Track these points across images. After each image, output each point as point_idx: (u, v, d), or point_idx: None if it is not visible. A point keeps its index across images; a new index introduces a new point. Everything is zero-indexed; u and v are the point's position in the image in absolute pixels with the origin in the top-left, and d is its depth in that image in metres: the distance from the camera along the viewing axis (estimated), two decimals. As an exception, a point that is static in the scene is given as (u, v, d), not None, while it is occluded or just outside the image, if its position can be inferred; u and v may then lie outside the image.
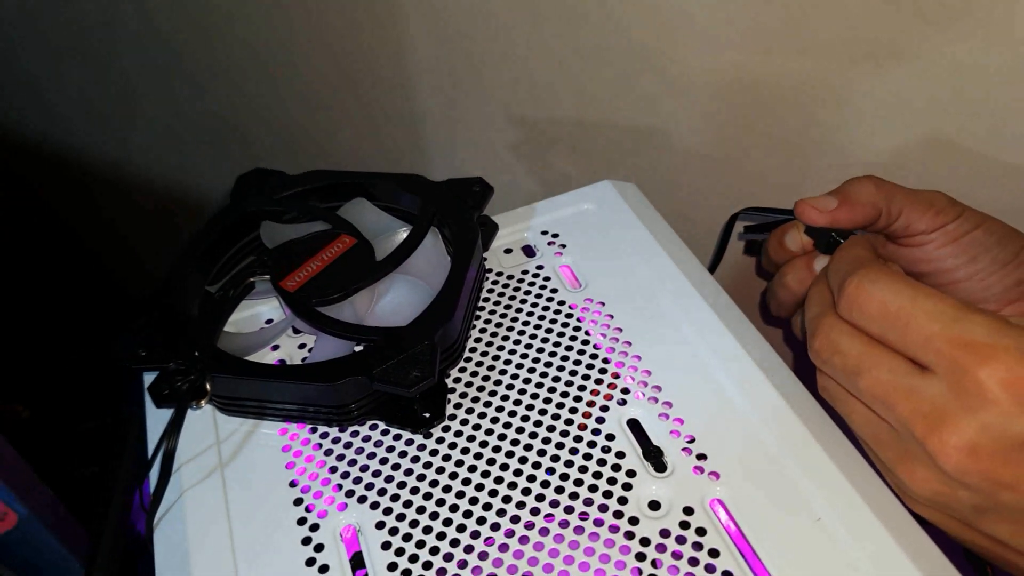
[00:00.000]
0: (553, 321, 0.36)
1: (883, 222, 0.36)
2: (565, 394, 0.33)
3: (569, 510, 0.29)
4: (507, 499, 0.30)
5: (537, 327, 0.36)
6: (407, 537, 0.29)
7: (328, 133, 0.66)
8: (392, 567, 0.28)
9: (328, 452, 0.32)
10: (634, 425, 0.32)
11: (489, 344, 0.36)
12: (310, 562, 0.29)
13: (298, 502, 0.31)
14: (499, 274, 0.39)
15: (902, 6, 0.37)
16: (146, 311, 0.34)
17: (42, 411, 0.72)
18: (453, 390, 0.34)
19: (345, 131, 0.64)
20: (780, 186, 0.47)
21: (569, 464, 0.31)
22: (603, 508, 0.29)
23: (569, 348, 0.35)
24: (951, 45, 0.37)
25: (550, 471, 0.31)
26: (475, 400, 0.33)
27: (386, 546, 0.29)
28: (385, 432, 0.33)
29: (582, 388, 0.33)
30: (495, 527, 0.29)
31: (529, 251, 0.40)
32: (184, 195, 0.81)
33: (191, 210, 0.82)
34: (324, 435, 0.33)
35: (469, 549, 0.28)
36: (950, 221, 0.35)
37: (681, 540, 0.28)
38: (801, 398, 0.32)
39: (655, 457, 0.31)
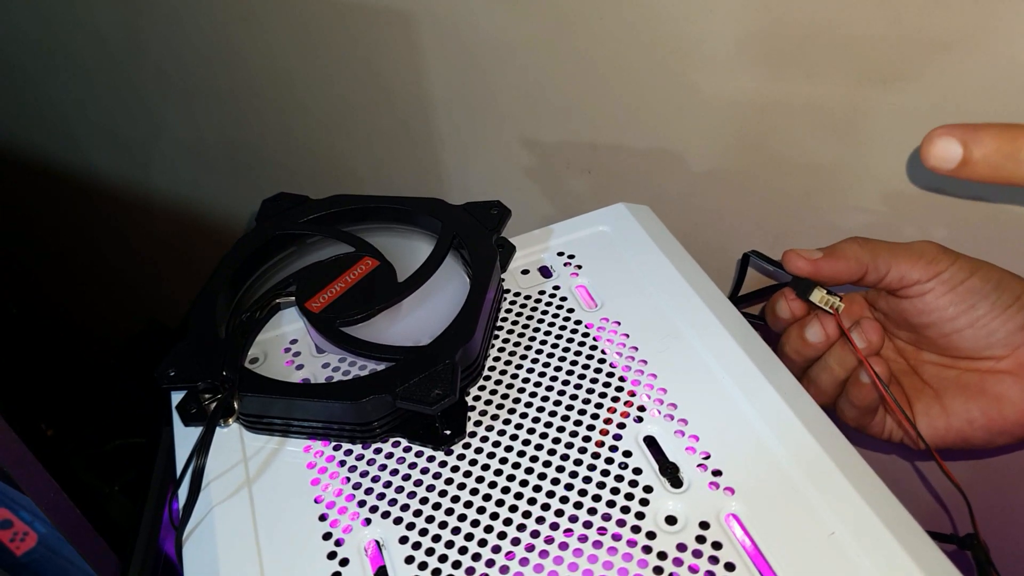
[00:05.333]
0: (570, 340, 0.37)
1: (872, 277, 0.37)
2: (582, 411, 0.34)
3: (588, 525, 0.30)
4: (527, 514, 0.31)
5: (554, 346, 0.37)
6: (430, 552, 0.30)
7: (347, 157, 0.67)
8: (415, 581, 0.29)
9: (352, 469, 0.33)
10: (650, 442, 0.33)
11: (508, 363, 0.37)
12: (336, 576, 0.30)
13: (323, 518, 0.32)
14: (517, 294, 0.40)
15: (907, 29, 0.38)
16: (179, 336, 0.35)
17: (66, 430, 0.73)
18: (473, 407, 0.35)
19: (364, 155, 0.66)
20: (791, 207, 0.48)
21: (587, 480, 0.31)
22: (621, 523, 0.30)
23: (586, 366, 0.36)
24: (956, 66, 0.38)
25: (568, 487, 0.31)
26: (495, 417, 0.34)
27: (409, 560, 0.30)
28: (407, 449, 0.34)
29: (599, 406, 0.34)
30: (516, 541, 0.30)
31: (546, 272, 0.41)
32: (205, 218, 0.83)
33: (212, 233, 0.84)
34: (348, 452, 0.34)
35: (491, 563, 0.29)
36: (944, 269, 0.36)
37: (698, 554, 0.29)
38: (814, 415, 0.33)
39: (671, 473, 0.31)
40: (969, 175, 0.28)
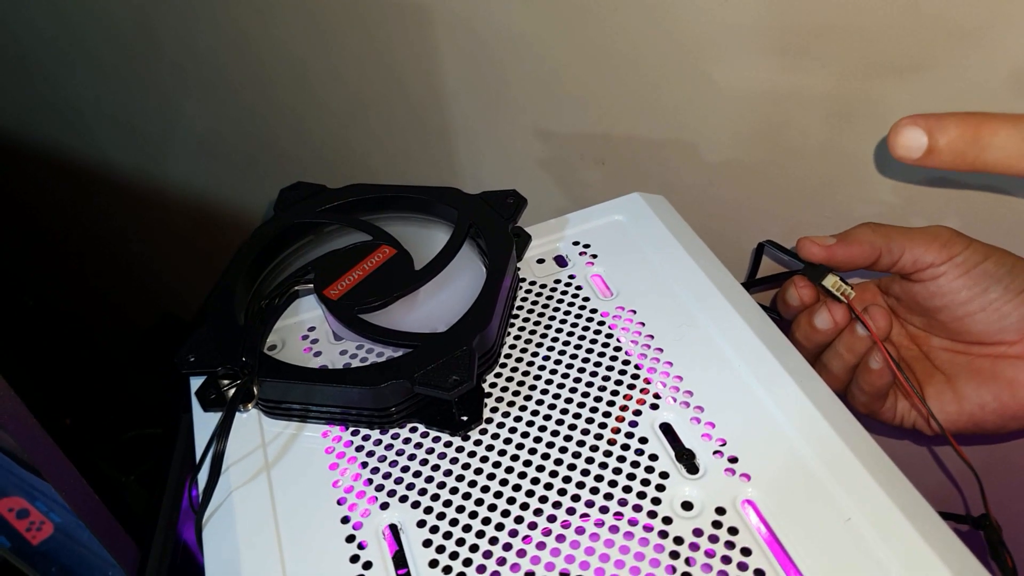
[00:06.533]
0: (585, 328, 0.37)
1: (887, 261, 0.37)
2: (598, 398, 0.34)
3: (604, 510, 0.30)
4: (544, 499, 0.31)
5: (570, 334, 0.37)
6: (447, 535, 0.30)
7: (361, 150, 0.67)
8: (433, 564, 0.29)
9: (369, 454, 0.34)
10: (666, 429, 0.33)
11: (524, 350, 0.37)
12: (354, 559, 0.30)
13: (341, 502, 0.32)
14: (532, 283, 0.40)
15: (924, 20, 0.38)
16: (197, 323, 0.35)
17: (85, 420, 0.74)
18: (489, 394, 0.35)
19: (378, 148, 0.66)
20: (805, 198, 0.48)
21: (603, 466, 0.32)
22: (637, 508, 0.30)
23: (601, 354, 0.36)
24: (972, 56, 0.38)
25: (584, 472, 0.32)
26: (511, 404, 0.34)
27: (427, 544, 0.30)
28: (424, 435, 0.34)
29: (615, 393, 0.34)
30: (532, 526, 0.30)
31: (561, 261, 0.41)
32: (220, 211, 0.83)
33: (227, 226, 0.84)
34: (365, 437, 0.34)
35: (507, 547, 0.29)
36: (958, 253, 0.36)
37: (714, 539, 0.29)
38: (830, 402, 0.33)
39: (687, 459, 0.31)
40: (935, 163, 0.29)
